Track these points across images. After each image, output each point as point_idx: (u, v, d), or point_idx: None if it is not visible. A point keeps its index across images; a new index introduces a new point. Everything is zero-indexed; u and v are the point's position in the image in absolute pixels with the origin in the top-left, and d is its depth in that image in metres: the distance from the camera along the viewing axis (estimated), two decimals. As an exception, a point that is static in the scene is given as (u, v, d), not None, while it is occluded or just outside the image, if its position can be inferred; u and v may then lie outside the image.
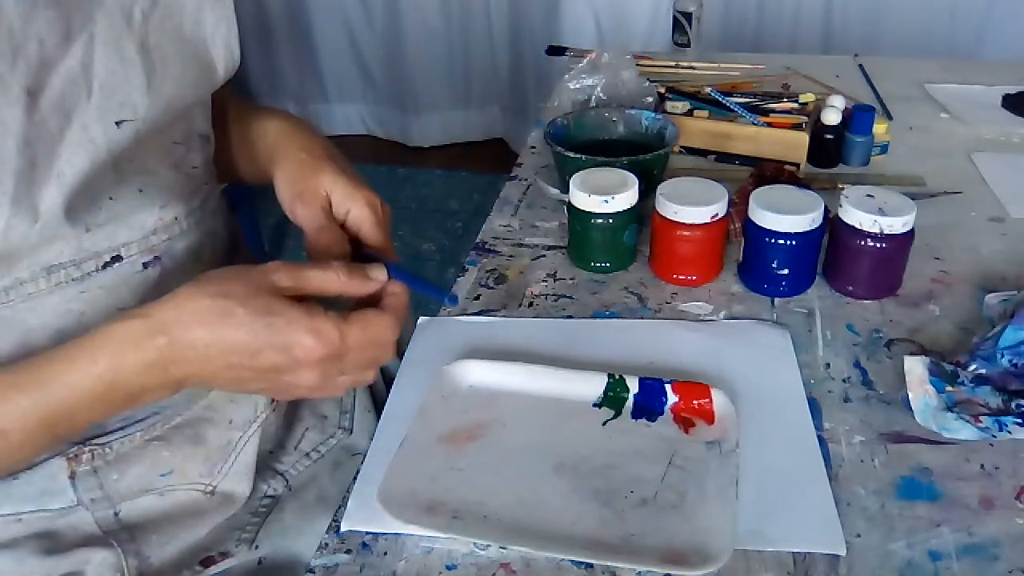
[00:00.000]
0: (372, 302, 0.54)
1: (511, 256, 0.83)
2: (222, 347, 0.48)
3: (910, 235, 0.71)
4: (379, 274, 0.53)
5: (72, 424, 0.49)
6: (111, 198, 0.53)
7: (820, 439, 0.60)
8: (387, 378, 0.82)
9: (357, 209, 0.59)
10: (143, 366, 0.47)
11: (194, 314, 0.47)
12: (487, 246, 0.85)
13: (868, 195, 0.72)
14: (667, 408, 0.62)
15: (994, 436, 0.58)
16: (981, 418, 0.58)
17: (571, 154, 0.85)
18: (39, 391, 0.47)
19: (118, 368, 0.47)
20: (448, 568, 0.51)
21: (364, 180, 0.62)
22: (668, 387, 0.62)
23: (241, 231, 0.73)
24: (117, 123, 0.51)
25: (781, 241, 0.71)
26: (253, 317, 0.47)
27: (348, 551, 0.53)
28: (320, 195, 0.60)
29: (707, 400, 0.61)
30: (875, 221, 0.69)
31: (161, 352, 0.47)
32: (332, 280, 0.51)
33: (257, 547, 0.64)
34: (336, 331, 0.49)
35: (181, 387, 0.50)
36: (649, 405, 0.62)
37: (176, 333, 0.47)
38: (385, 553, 0.53)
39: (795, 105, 1.03)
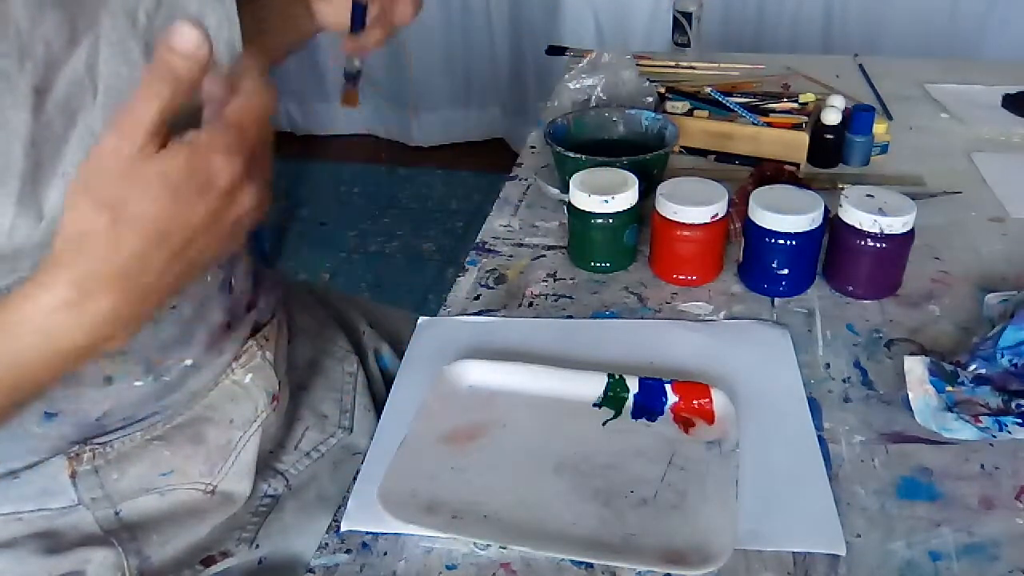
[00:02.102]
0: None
1: (511, 256, 0.83)
2: (143, 247, 0.42)
3: (910, 235, 0.71)
4: (185, 37, 0.40)
5: (16, 392, 0.45)
6: None
7: (820, 439, 0.60)
8: (387, 378, 0.83)
9: None
10: (55, 310, 0.42)
11: (91, 242, 0.42)
12: (487, 246, 0.85)
13: (868, 195, 0.72)
14: (667, 408, 0.62)
15: (994, 436, 0.58)
16: (981, 418, 0.58)
17: (571, 154, 0.85)
18: None
19: (47, 332, 0.43)
20: (448, 568, 0.51)
21: None
22: (668, 387, 0.62)
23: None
24: None
25: (781, 241, 0.71)
26: (153, 199, 0.41)
27: (348, 551, 0.53)
28: None
29: (707, 400, 0.61)
30: (875, 221, 0.69)
31: (78, 289, 0.42)
32: (153, 93, 0.41)
33: (257, 547, 0.64)
34: (220, 129, 0.43)
35: (133, 330, 0.45)
36: (649, 405, 0.62)
37: (78, 266, 0.42)
38: (385, 553, 0.53)
39: (795, 105, 1.03)
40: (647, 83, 1.07)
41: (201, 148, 0.42)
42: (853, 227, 0.71)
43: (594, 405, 0.62)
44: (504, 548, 0.52)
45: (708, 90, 1.08)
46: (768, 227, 0.71)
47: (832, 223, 0.74)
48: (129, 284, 0.43)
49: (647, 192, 0.80)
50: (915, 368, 0.61)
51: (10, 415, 0.48)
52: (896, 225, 0.70)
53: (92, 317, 0.43)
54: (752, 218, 0.72)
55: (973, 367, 0.62)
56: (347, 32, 0.70)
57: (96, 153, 0.42)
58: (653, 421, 0.61)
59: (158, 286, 0.45)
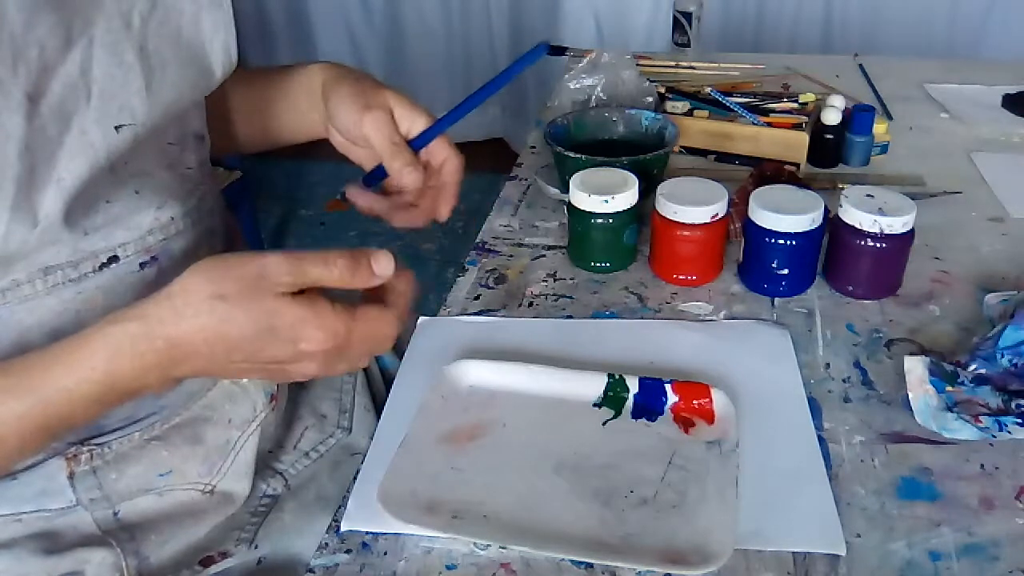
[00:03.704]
0: (377, 296, 0.53)
1: (511, 256, 0.83)
2: (226, 347, 0.47)
3: (910, 235, 0.71)
4: (384, 268, 0.51)
5: (70, 425, 0.49)
6: (108, 201, 0.53)
7: (820, 439, 0.60)
8: (387, 378, 0.82)
9: (420, 123, 0.62)
10: (141, 369, 0.47)
11: (194, 319, 0.46)
12: (487, 246, 0.85)
13: (868, 195, 0.72)
14: (667, 408, 0.62)
15: (994, 436, 0.58)
16: (981, 418, 0.58)
17: (571, 154, 0.85)
18: (35, 397, 0.46)
19: (116, 373, 0.47)
20: (448, 568, 0.51)
21: (416, 101, 0.65)
22: (668, 387, 0.62)
23: (239, 230, 0.73)
24: (116, 128, 0.51)
25: (781, 241, 0.71)
26: (255, 321, 0.47)
27: (348, 551, 0.53)
28: (386, 108, 0.62)
29: (707, 400, 0.61)
30: (875, 221, 0.69)
31: (159, 355, 0.47)
32: (334, 275, 0.49)
33: (256, 547, 0.64)
34: (343, 326, 0.48)
35: (180, 382, 0.50)
36: (649, 405, 0.62)
37: (176, 335, 0.47)
38: (385, 553, 0.53)
39: (795, 105, 1.03)
40: (647, 83, 1.07)
41: (309, 319, 0.48)
42: (853, 227, 0.71)
43: (594, 405, 0.62)
44: (504, 548, 0.52)
45: (708, 90, 1.08)
46: (768, 227, 0.71)
47: (832, 223, 0.74)
48: (205, 364, 0.48)
49: (647, 192, 0.80)
50: (915, 368, 0.61)
51: (46, 444, 0.50)
52: (896, 225, 0.70)
53: (165, 376, 0.48)
54: (752, 218, 0.72)
55: (973, 367, 0.62)
56: (387, 146, 0.64)
57: (241, 258, 0.48)
58: (653, 421, 0.61)
59: (205, 376, 0.51)
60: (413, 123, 0.63)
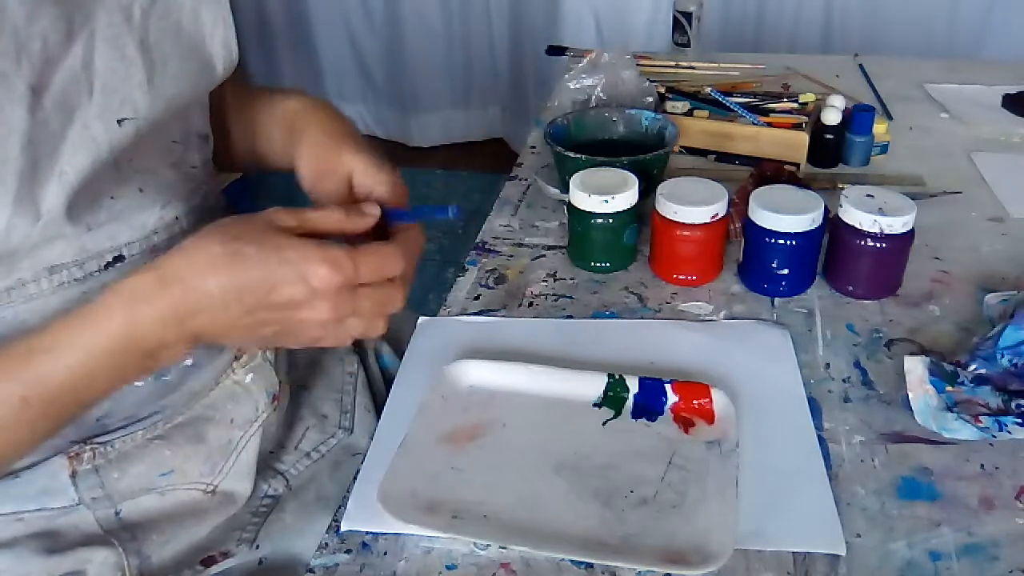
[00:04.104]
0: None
1: (511, 256, 0.83)
2: (238, 288, 0.47)
3: (910, 235, 0.71)
4: (373, 209, 0.55)
5: (92, 388, 0.48)
6: (112, 197, 0.53)
7: (820, 439, 0.60)
8: (387, 378, 0.83)
9: (379, 187, 0.60)
10: (158, 319, 0.47)
11: (206, 261, 0.47)
12: (487, 246, 0.85)
13: (868, 195, 0.72)
14: (667, 408, 0.62)
15: (994, 436, 0.58)
16: (981, 418, 0.58)
17: (571, 154, 0.85)
18: (56, 354, 0.46)
19: (134, 322, 0.46)
20: (448, 568, 0.51)
21: (384, 159, 0.62)
22: (668, 387, 0.62)
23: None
24: (118, 121, 0.51)
25: (781, 241, 0.71)
26: (266, 253, 0.48)
27: (348, 551, 0.53)
28: (342, 173, 0.61)
29: (707, 400, 0.61)
30: (875, 221, 0.69)
31: (176, 302, 0.47)
32: (332, 217, 0.53)
33: (258, 547, 0.64)
34: (349, 259, 0.49)
35: (197, 341, 0.49)
36: (649, 405, 0.62)
37: (190, 281, 0.47)
38: (385, 553, 0.53)
39: (795, 105, 1.03)
40: (647, 83, 1.07)
41: (316, 250, 0.49)
42: (853, 227, 0.71)
43: (594, 405, 0.62)
44: (504, 548, 0.52)
45: (708, 90, 1.08)
46: (768, 227, 0.71)
47: (832, 223, 0.74)
48: (220, 317, 0.48)
49: (647, 192, 0.80)
50: (915, 368, 0.61)
51: (72, 413, 0.50)
52: (896, 225, 0.70)
53: (182, 331, 0.48)
54: (752, 218, 0.73)
55: (973, 367, 0.62)
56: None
57: (248, 214, 0.51)
58: (653, 421, 0.61)
59: (221, 332, 0.50)
60: (374, 186, 0.60)
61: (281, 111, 0.67)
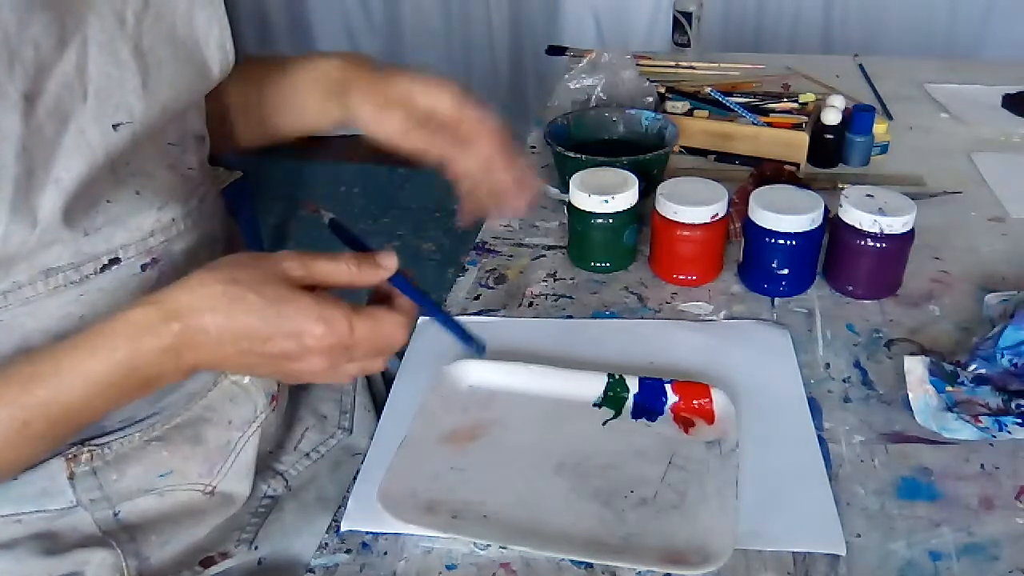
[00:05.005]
0: (385, 298, 0.54)
1: (511, 256, 0.83)
2: (234, 332, 0.48)
3: (910, 235, 0.71)
4: (389, 262, 0.53)
5: (92, 412, 0.49)
6: (108, 201, 0.53)
7: (820, 439, 0.60)
8: (387, 378, 0.82)
9: (442, 104, 0.61)
10: (159, 351, 0.48)
11: (206, 300, 0.48)
12: (487, 246, 0.85)
13: (868, 195, 0.72)
14: (667, 408, 0.62)
15: (994, 436, 0.58)
16: (981, 418, 0.58)
17: (571, 154, 0.85)
18: (59, 380, 0.47)
19: (136, 354, 0.47)
20: (448, 568, 0.51)
21: (451, 80, 0.63)
22: (668, 387, 0.62)
23: (239, 233, 0.73)
24: (114, 126, 0.51)
25: (781, 241, 0.71)
26: (264, 304, 0.48)
27: (348, 551, 0.53)
28: (402, 99, 0.61)
29: (707, 400, 0.61)
30: (875, 221, 0.69)
31: (175, 337, 0.47)
32: (342, 270, 0.51)
33: (257, 547, 0.64)
34: (346, 321, 0.49)
35: (194, 371, 0.50)
36: (649, 405, 0.62)
37: (189, 319, 0.47)
38: (385, 553, 0.53)
39: (795, 105, 1.03)
40: (647, 83, 1.07)
41: (313, 308, 0.49)
42: (853, 227, 0.71)
43: (594, 405, 0.62)
44: (504, 548, 0.52)
45: (708, 90, 1.08)
46: (768, 227, 0.71)
47: (832, 223, 0.74)
48: (215, 353, 0.49)
49: (647, 192, 0.80)
50: (915, 368, 0.61)
51: (71, 433, 0.51)
52: (896, 225, 0.70)
53: (180, 364, 0.49)
54: (752, 218, 0.72)
55: (973, 367, 0.62)
56: (402, 139, 0.63)
57: (256, 253, 0.51)
58: (653, 421, 0.61)
59: (216, 365, 0.50)
60: (437, 104, 0.62)
61: (318, 73, 0.66)
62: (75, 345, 0.48)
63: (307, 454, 0.71)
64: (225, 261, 0.50)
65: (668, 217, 0.74)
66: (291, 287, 0.49)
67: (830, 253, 0.75)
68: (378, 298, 0.55)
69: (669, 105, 1.06)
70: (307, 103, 0.67)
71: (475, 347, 0.58)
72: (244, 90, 0.69)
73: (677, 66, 1.26)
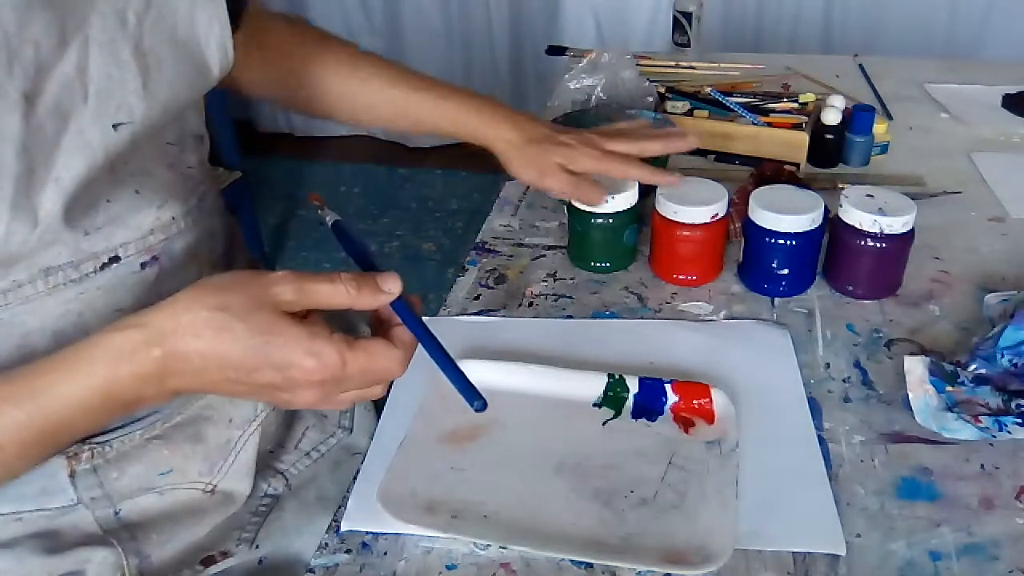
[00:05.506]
0: (384, 323, 0.52)
1: (511, 256, 0.83)
2: (219, 362, 0.46)
3: (910, 235, 0.71)
4: (392, 285, 0.49)
5: (70, 433, 0.48)
6: (108, 200, 0.53)
7: (820, 439, 0.60)
8: (387, 378, 0.82)
9: (587, 161, 0.75)
10: (139, 377, 0.46)
11: (191, 327, 0.46)
12: (487, 246, 0.85)
13: (868, 195, 0.72)
14: (667, 408, 0.62)
15: (994, 436, 0.58)
16: (981, 418, 0.58)
17: (571, 154, 0.85)
18: (34, 404, 0.46)
19: (114, 379, 0.46)
20: (448, 568, 0.51)
21: (572, 132, 0.79)
22: (668, 387, 0.62)
23: (239, 231, 0.73)
24: (114, 127, 0.51)
25: (781, 241, 0.71)
26: (251, 334, 0.46)
27: (348, 551, 0.53)
28: (556, 165, 0.76)
29: (707, 400, 0.61)
30: (875, 221, 0.69)
31: (157, 364, 0.46)
32: (340, 294, 0.48)
33: (257, 546, 0.64)
34: (337, 356, 0.47)
35: (176, 395, 0.49)
36: (649, 405, 0.62)
37: (172, 345, 0.46)
38: (385, 553, 0.53)
39: (795, 105, 1.03)
40: (647, 83, 1.07)
41: (303, 341, 0.46)
42: (853, 227, 0.71)
43: (594, 405, 0.62)
44: (504, 548, 0.52)
45: (708, 90, 1.08)
46: (768, 227, 0.71)
47: (832, 223, 0.74)
48: (199, 380, 0.47)
49: (647, 192, 0.80)
50: (915, 368, 0.61)
51: (47, 454, 0.50)
52: (896, 225, 0.70)
53: (162, 390, 0.48)
54: (752, 218, 0.72)
55: (973, 367, 0.62)
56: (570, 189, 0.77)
57: (248, 274, 0.48)
58: (653, 421, 0.61)
59: (201, 391, 0.50)
60: (583, 163, 0.75)
61: (454, 113, 0.83)
62: (53, 368, 0.46)
63: (307, 453, 0.71)
64: (215, 283, 0.48)
65: (668, 217, 0.74)
66: (281, 316, 0.46)
67: (830, 253, 0.75)
68: (377, 321, 0.52)
69: (669, 105, 1.06)
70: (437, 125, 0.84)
71: (476, 404, 0.52)
72: (388, 94, 0.86)
73: (677, 66, 1.26)
